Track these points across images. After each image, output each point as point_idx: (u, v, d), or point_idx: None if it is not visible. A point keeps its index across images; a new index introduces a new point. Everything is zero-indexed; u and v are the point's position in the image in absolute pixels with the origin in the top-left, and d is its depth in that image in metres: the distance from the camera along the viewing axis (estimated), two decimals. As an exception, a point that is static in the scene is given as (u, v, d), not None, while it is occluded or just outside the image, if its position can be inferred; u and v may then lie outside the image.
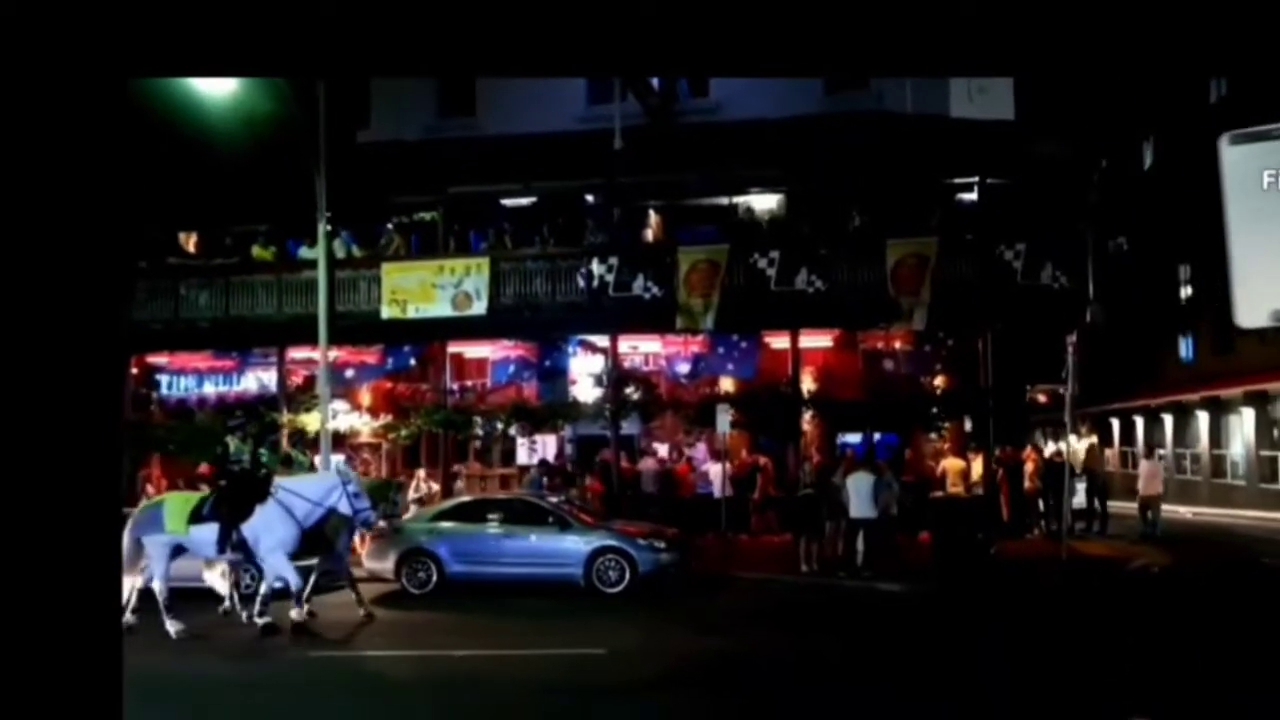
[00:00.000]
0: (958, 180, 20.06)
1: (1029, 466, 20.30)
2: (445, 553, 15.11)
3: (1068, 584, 14.99)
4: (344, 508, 12.20)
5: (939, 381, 20.42)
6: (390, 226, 21.68)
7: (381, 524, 14.73)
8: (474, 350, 21.20)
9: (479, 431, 19.60)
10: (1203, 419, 32.73)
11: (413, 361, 20.74)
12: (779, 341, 19.68)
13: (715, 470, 19.81)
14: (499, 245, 19.96)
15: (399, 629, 12.48)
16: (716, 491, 19.51)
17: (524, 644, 11.33)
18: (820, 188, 19.66)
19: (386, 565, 15.27)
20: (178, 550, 12.40)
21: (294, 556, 12.24)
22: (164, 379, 22.18)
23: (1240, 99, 29.80)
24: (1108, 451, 35.25)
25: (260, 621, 11.99)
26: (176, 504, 12.60)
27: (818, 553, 16.65)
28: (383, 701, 9.18)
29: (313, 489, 12.37)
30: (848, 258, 18.31)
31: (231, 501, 12.18)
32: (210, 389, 22.12)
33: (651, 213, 21.11)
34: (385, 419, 20.06)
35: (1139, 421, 37.11)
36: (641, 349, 20.25)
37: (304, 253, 20.96)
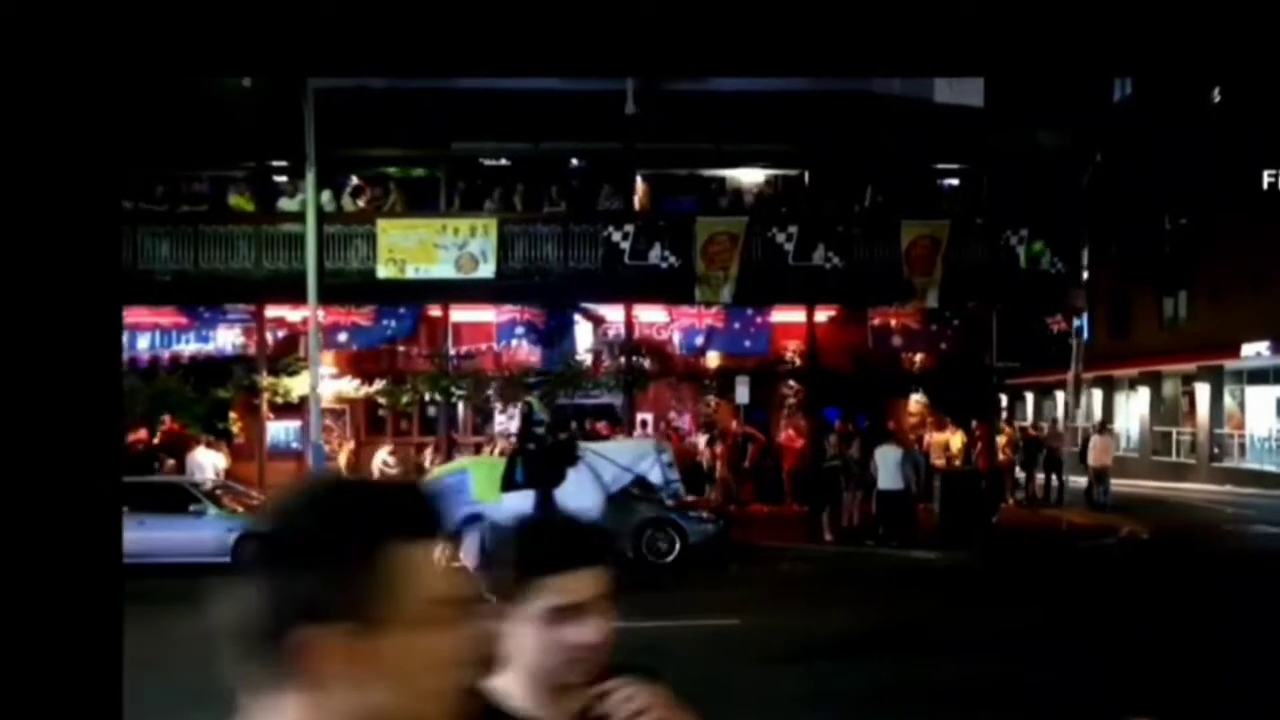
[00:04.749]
0: (946, 165, 20.81)
1: (1002, 440, 21.47)
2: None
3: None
4: (655, 477, 11.83)
5: (919, 358, 21.22)
6: (354, 179, 20.58)
7: None
8: (465, 314, 20.38)
9: (489, 398, 18.97)
10: (1096, 396, 35.33)
11: (392, 324, 19.83)
12: (779, 315, 19.93)
13: (705, 441, 20.02)
14: (506, 206, 19.32)
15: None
16: (706, 462, 19.76)
17: (649, 616, 11.18)
18: (826, 166, 19.97)
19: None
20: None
21: None
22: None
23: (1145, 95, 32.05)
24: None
25: None
26: (484, 470, 11.90)
27: (833, 522, 17.25)
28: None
29: (625, 454, 11.95)
30: (863, 236, 18.72)
31: (544, 466, 11.56)
32: (165, 348, 20.47)
33: (639, 179, 20.88)
34: (381, 384, 19.15)
35: (1029, 397, 39.67)
36: (642, 319, 20.06)
37: (284, 204, 19.68)
